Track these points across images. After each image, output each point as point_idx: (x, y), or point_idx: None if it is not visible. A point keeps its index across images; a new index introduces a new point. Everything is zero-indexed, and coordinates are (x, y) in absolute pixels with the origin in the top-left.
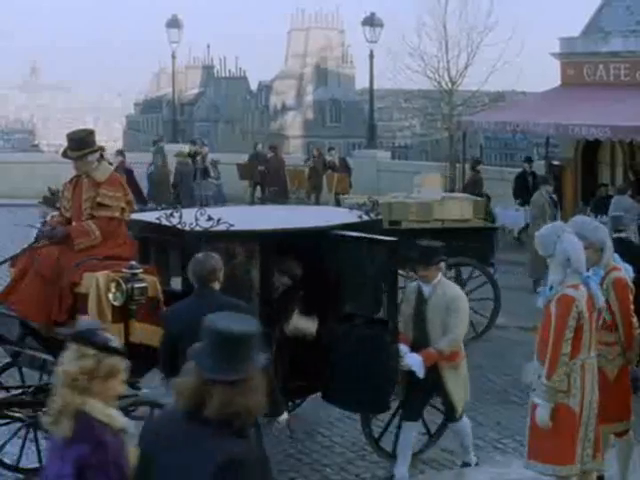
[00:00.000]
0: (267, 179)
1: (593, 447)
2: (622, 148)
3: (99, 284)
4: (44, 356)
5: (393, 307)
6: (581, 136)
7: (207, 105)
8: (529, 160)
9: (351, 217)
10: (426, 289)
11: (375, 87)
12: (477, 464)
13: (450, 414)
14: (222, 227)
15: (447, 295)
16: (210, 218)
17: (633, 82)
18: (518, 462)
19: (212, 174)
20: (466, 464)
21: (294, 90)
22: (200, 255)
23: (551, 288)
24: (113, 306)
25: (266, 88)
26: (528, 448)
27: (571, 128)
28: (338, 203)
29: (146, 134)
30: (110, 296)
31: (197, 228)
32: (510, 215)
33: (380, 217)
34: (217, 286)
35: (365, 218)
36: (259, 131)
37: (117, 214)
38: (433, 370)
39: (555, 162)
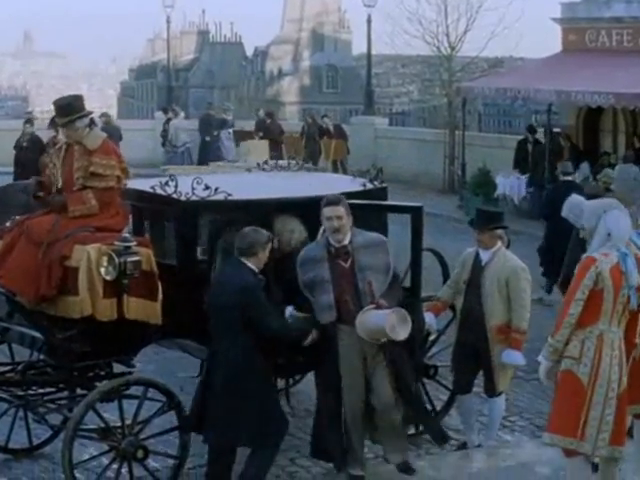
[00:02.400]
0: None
1: (612, 432)
2: (624, 116)
3: (90, 258)
4: (32, 333)
5: (417, 275)
6: (583, 103)
7: (202, 71)
8: (532, 129)
9: (355, 185)
10: (484, 255)
11: (372, 52)
12: (479, 446)
13: (490, 388)
14: (220, 196)
15: (508, 265)
16: (207, 187)
17: (636, 48)
18: (529, 442)
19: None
20: (476, 445)
21: (290, 56)
22: (247, 228)
23: None
24: (105, 281)
25: (262, 54)
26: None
27: (573, 95)
28: (336, 170)
29: (140, 100)
30: (102, 270)
31: (193, 197)
32: (511, 184)
33: (385, 185)
34: (254, 262)
35: (369, 186)
36: (255, 97)
37: (112, 183)
38: (484, 339)
39: (555, 129)
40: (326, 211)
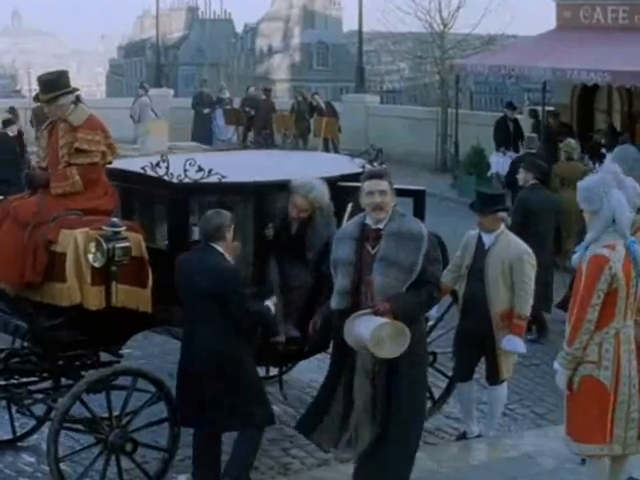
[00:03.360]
0: (256, 124)
1: (639, 428)
2: (620, 94)
3: (77, 243)
4: (15, 322)
5: None
6: (579, 81)
7: (191, 48)
8: (511, 106)
9: (353, 166)
10: (487, 239)
11: (363, 29)
12: (479, 436)
13: (492, 376)
14: (213, 179)
15: (512, 249)
16: (200, 168)
17: (631, 26)
18: (531, 431)
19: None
20: (476, 435)
21: (280, 33)
22: (210, 211)
23: (587, 247)
24: (93, 268)
25: (252, 30)
26: (565, 426)
27: (569, 72)
28: (327, 148)
29: (129, 78)
30: (90, 257)
31: (186, 180)
32: (504, 162)
33: (385, 167)
34: (222, 245)
35: (368, 167)
36: (245, 75)
37: (97, 159)
38: (487, 326)
39: (549, 108)
40: (368, 185)
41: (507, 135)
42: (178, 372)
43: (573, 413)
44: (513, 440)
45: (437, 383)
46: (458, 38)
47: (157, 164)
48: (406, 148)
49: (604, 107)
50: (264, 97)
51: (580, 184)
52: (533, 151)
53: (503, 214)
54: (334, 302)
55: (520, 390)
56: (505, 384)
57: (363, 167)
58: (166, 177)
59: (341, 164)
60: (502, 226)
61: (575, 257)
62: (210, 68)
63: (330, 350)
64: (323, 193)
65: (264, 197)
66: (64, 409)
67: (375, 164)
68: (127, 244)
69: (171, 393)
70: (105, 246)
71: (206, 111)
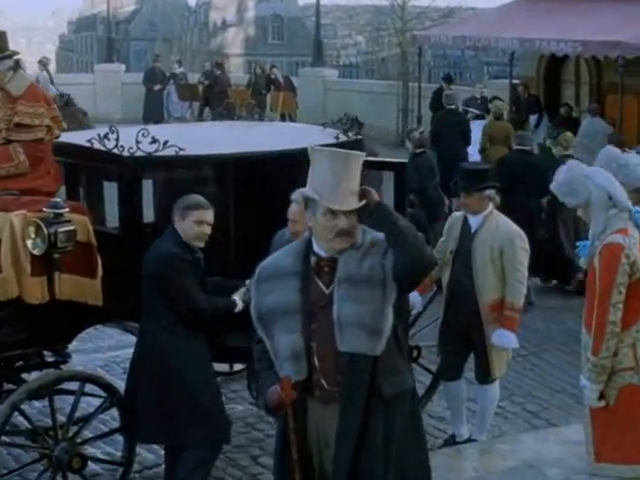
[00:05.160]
0: (211, 99)
1: None
2: (588, 66)
3: (14, 228)
4: None
5: None
6: (549, 51)
7: (143, 23)
8: (448, 79)
9: (326, 137)
10: (473, 221)
11: (320, 2)
12: (469, 439)
13: (483, 374)
14: (170, 151)
15: (502, 232)
16: (154, 140)
17: None
18: (528, 435)
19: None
20: (466, 438)
21: (234, 6)
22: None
23: (593, 242)
24: (33, 255)
25: (205, 4)
26: (595, 447)
27: (538, 43)
28: None
29: (80, 54)
30: (29, 243)
31: (138, 153)
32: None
33: (360, 137)
34: (180, 227)
35: (343, 138)
36: (198, 49)
37: (42, 134)
38: (475, 319)
39: (515, 81)
40: (327, 198)
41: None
42: (128, 373)
43: (609, 432)
44: (509, 445)
45: (420, 379)
46: (417, 10)
47: (105, 136)
48: (366, 123)
49: (571, 79)
50: (219, 72)
51: (555, 183)
52: (527, 148)
53: (490, 192)
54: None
55: (508, 385)
56: (497, 383)
57: (337, 137)
58: (115, 150)
59: (312, 134)
60: (490, 206)
61: (581, 258)
62: (163, 43)
63: None
64: None
65: (228, 172)
66: (1, 421)
67: (350, 134)
68: (71, 228)
69: None
70: (46, 230)
71: (157, 87)
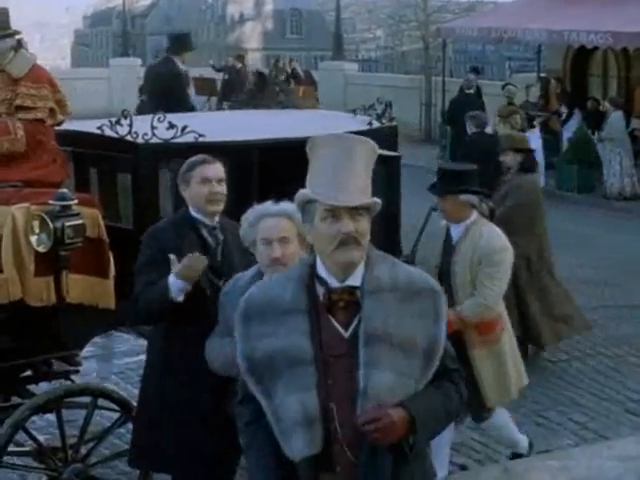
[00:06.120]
0: (230, 92)
1: None
2: (616, 59)
3: (16, 223)
4: None
5: (395, 237)
6: (578, 43)
7: (160, 17)
8: (475, 70)
9: (358, 124)
10: (454, 231)
11: None
12: (531, 445)
13: (475, 410)
14: (188, 137)
15: (484, 242)
16: (172, 125)
17: None
18: (577, 450)
19: None
20: (516, 455)
21: None
22: None
23: None
24: (37, 253)
25: None
26: None
27: (566, 34)
28: None
29: (95, 49)
30: (32, 239)
31: (154, 140)
32: None
33: (395, 123)
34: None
35: (376, 124)
36: (215, 44)
37: (43, 115)
38: (460, 347)
39: (542, 74)
40: (324, 194)
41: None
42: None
43: None
44: (558, 461)
45: None
46: (438, 4)
47: (117, 121)
48: None
49: (599, 72)
50: (240, 65)
51: None
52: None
53: (469, 197)
54: (293, 449)
55: (551, 392)
56: (497, 413)
57: (370, 124)
58: (129, 137)
59: (342, 121)
60: (474, 214)
61: None
62: None
63: None
64: None
65: (253, 160)
66: (2, 442)
67: (384, 121)
68: (80, 222)
69: None
70: (51, 225)
71: None
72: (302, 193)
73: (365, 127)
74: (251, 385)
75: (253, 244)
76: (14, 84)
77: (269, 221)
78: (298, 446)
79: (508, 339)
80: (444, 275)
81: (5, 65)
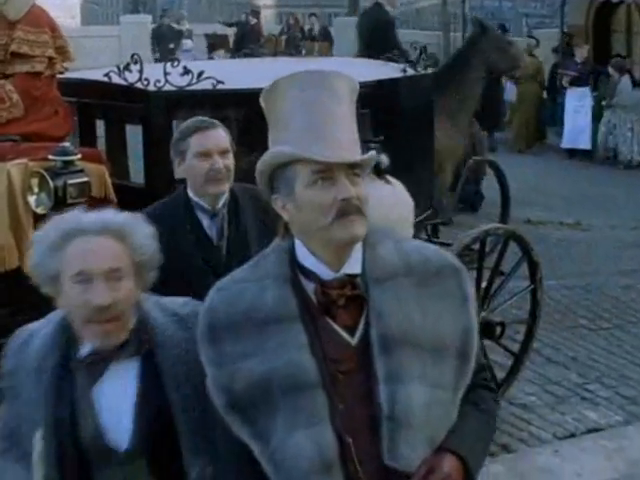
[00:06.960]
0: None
1: None
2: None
3: (12, 181)
4: None
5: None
6: None
7: None
8: (503, 29)
9: (391, 71)
10: None
11: None
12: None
13: None
14: (206, 85)
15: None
16: (187, 71)
17: None
18: (633, 428)
19: None
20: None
21: None
22: None
23: None
24: (36, 215)
25: None
26: None
27: None
28: None
29: (105, 7)
30: (31, 199)
31: (167, 87)
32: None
33: (430, 70)
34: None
35: (410, 72)
36: (228, 0)
37: (41, 67)
38: None
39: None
40: (315, 147)
41: None
42: None
43: None
44: (612, 441)
45: (499, 360)
46: None
47: (126, 67)
48: None
49: (622, 28)
50: (255, 21)
51: None
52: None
53: None
54: None
55: (595, 364)
56: None
57: (404, 71)
58: (139, 84)
59: (373, 68)
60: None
61: None
62: None
63: None
64: None
65: None
66: None
67: (419, 68)
68: (84, 179)
69: None
70: (52, 183)
71: (171, 46)
72: (275, 152)
73: (399, 74)
74: (235, 427)
75: (53, 280)
76: (10, 27)
77: (85, 244)
78: None
79: None
80: None
81: (0, 6)
